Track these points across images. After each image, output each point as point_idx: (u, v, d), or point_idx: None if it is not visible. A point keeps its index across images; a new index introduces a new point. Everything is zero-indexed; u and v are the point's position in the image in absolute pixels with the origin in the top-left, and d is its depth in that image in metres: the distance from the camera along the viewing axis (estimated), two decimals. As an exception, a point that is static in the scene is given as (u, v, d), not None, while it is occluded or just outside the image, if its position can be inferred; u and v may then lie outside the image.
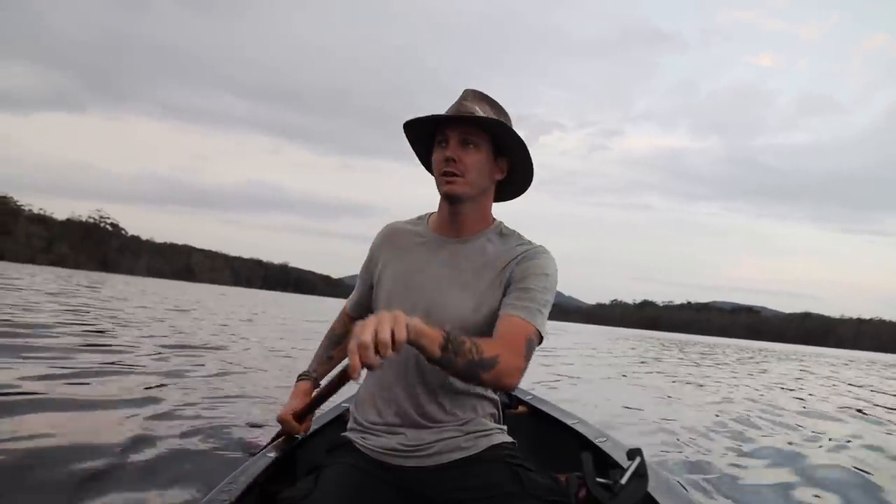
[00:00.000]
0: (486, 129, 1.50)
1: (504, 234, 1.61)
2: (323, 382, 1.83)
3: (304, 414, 1.80)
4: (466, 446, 1.53)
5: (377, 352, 1.10)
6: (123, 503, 2.58)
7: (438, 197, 1.60)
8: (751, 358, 26.83)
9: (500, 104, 1.58)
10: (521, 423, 2.55)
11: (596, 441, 2.15)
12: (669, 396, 8.13)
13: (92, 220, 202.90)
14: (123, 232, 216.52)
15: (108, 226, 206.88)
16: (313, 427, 2.16)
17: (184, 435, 3.59)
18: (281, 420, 1.82)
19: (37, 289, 20.16)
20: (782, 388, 10.95)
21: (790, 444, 5.27)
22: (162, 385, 5.13)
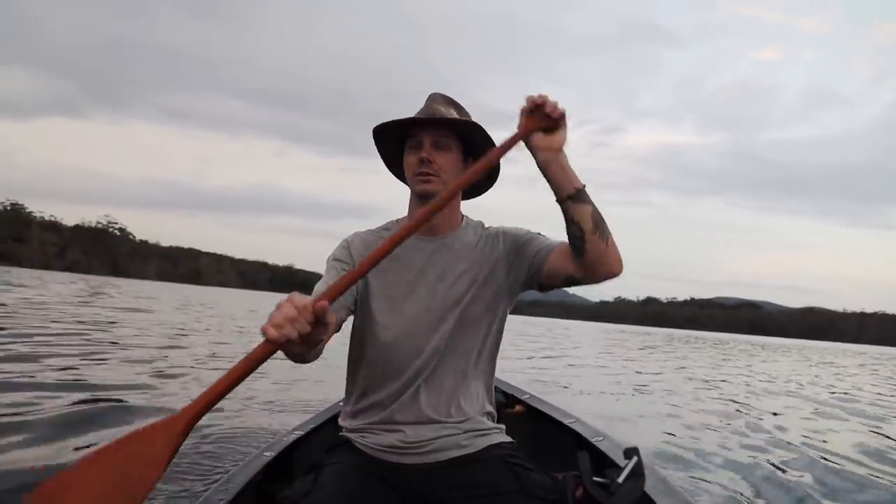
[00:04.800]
0: (456, 132, 1.57)
1: (470, 225, 1.68)
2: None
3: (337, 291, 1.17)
4: (465, 445, 1.55)
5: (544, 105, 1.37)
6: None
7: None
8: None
9: (464, 107, 1.65)
10: (518, 421, 2.55)
11: (593, 440, 2.14)
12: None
13: (100, 226, 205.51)
14: (131, 237, 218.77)
15: (116, 231, 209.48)
16: (311, 426, 2.19)
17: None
18: (297, 309, 1.08)
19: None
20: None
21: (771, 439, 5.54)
22: (158, 382, 5.43)
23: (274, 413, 4.73)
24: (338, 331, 1.54)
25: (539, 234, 1.63)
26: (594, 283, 1.50)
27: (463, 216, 1.70)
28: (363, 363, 1.64)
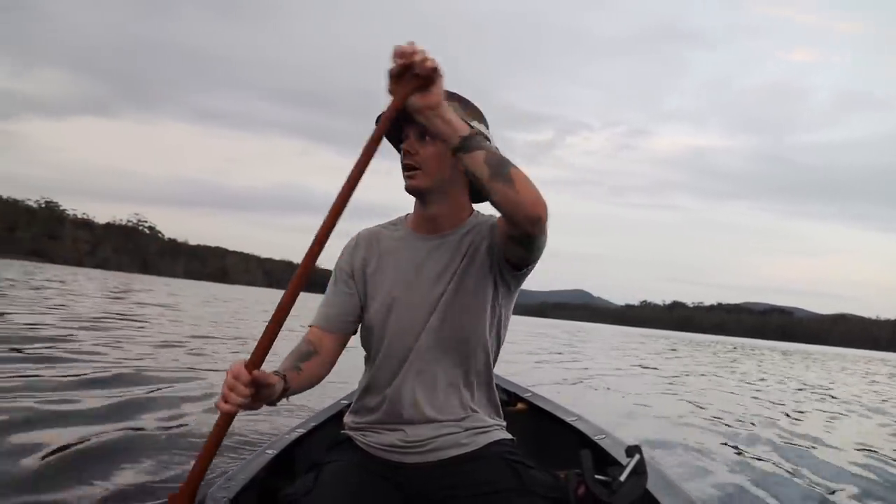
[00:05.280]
0: None
1: (478, 220, 1.61)
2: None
3: (260, 354, 1.24)
4: (465, 443, 1.53)
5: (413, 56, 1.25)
6: (122, 500, 2.55)
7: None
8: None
9: (471, 102, 1.58)
10: (520, 420, 2.55)
11: (595, 438, 2.15)
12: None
13: (130, 224, 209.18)
14: (160, 235, 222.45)
15: (145, 229, 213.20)
16: (313, 424, 2.20)
17: (182, 430, 3.59)
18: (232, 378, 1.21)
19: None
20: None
21: (782, 438, 5.73)
22: (164, 379, 5.34)
23: (276, 410, 4.74)
24: (354, 332, 1.66)
25: None
26: (525, 233, 1.38)
27: (473, 212, 1.65)
28: (367, 362, 1.66)
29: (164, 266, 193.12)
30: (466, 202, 1.64)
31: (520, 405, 2.80)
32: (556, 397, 2.90)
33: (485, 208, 1.66)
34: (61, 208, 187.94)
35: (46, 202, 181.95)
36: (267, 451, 1.83)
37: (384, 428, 1.56)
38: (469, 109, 1.56)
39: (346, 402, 2.46)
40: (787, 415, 7.75)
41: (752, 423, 6.64)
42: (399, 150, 1.60)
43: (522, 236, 1.40)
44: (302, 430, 2.11)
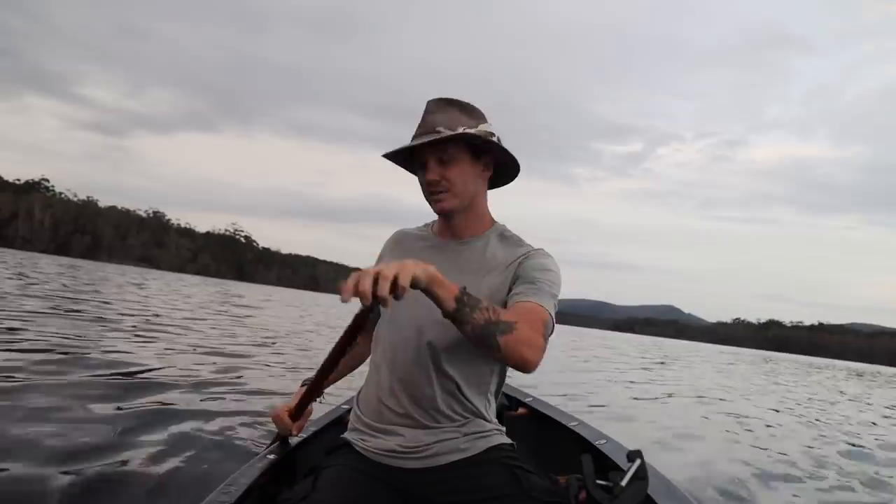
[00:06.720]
0: (457, 140, 1.52)
1: (505, 236, 1.65)
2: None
3: (299, 409, 1.72)
4: (465, 448, 1.54)
5: (376, 284, 1.13)
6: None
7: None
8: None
9: (469, 103, 1.59)
10: (521, 424, 2.56)
11: (596, 443, 2.15)
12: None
13: (228, 233, 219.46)
14: (255, 244, 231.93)
15: (242, 238, 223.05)
16: (313, 429, 2.17)
17: (183, 435, 3.57)
18: (274, 418, 1.79)
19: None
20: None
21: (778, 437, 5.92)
22: (168, 380, 5.16)
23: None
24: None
25: (546, 280, 1.54)
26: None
27: (493, 222, 1.69)
28: (371, 365, 1.67)
29: (258, 274, 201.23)
30: (486, 209, 1.69)
31: (521, 410, 2.81)
32: (559, 402, 2.97)
33: (497, 197, 1.73)
34: (167, 218, 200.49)
35: (154, 212, 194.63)
36: (267, 456, 1.80)
37: (383, 433, 1.57)
38: (466, 112, 1.58)
39: (346, 406, 2.46)
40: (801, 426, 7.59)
41: (763, 431, 6.60)
42: (414, 172, 1.65)
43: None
44: (302, 435, 2.08)
